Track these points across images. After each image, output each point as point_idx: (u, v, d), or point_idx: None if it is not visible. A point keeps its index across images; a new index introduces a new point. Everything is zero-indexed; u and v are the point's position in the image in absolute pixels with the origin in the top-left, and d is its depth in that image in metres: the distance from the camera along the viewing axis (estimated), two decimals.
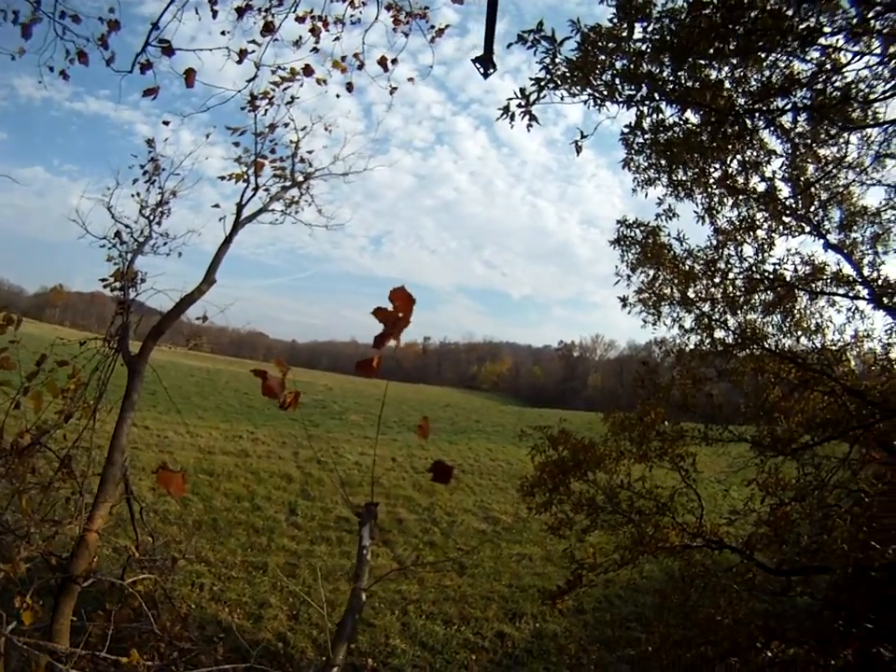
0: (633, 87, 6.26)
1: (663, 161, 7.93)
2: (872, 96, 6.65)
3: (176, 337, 8.27)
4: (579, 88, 6.21)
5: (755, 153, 8.23)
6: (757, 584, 8.50)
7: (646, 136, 6.91)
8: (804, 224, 8.65)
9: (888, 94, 6.57)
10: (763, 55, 6.29)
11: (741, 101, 6.73)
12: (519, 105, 6.11)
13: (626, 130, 6.32)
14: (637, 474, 9.24)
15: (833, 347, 8.83)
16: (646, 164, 7.99)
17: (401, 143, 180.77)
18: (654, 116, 6.35)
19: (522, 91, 6.07)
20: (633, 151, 7.23)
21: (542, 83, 6.07)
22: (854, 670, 7.76)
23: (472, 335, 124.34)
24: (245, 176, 7.76)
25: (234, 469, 21.44)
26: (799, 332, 9.02)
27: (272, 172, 7.90)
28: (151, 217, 7.70)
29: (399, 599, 15.40)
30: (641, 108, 6.19)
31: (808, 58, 6.37)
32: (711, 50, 6.12)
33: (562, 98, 6.20)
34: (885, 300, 8.20)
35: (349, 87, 6.95)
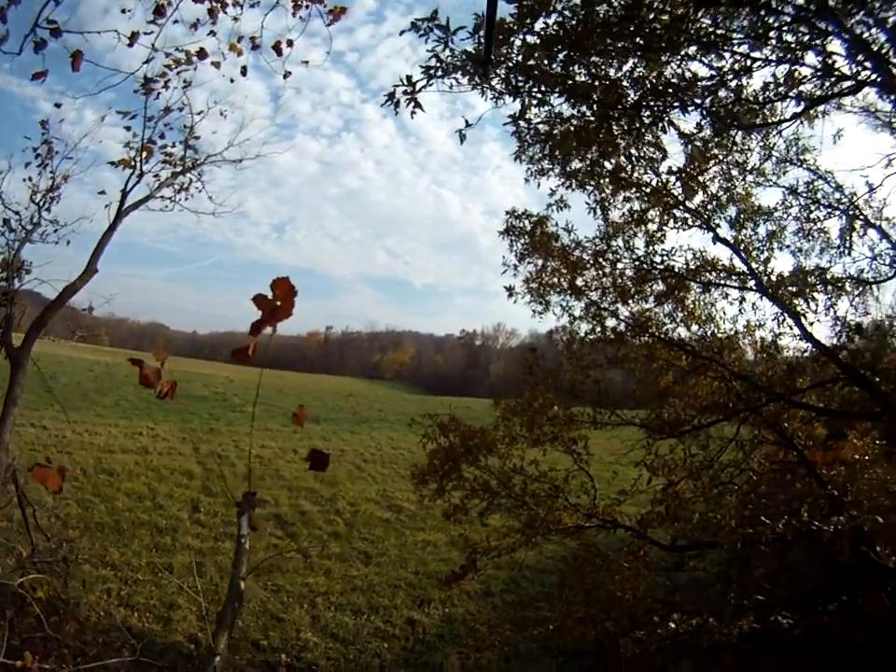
0: (524, 79, 6.32)
1: (557, 153, 8.10)
2: (770, 101, 7.02)
3: (78, 329, 7.79)
4: (474, 79, 6.22)
5: (651, 150, 8.57)
6: (653, 561, 8.94)
7: (540, 127, 7.01)
8: (694, 218, 9.08)
9: (778, 98, 6.97)
10: (661, 56, 6.50)
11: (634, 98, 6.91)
12: (405, 93, 6.06)
13: (510, 119, 6.35)
14: (539, 458, 9.47)
15: (724, 336, 9.32)
16: (540, 155, 8.14)
17: (308, 129, 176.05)
18: (541, 107, 6.43)
19: (408, 78, 6.02)
20: (526, 143, 7.32)
21: (432, 72, 6.02)
22: (752, 638, 8.38)
23: (375, 324, 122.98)
24: (133, 163, 7.33)
25: (135, 468, 20.58)
26: (691, 321, 9.46)
27: (162, 158, 7.49)
28: (41, 203, 7.20)
29: (307, 592, 15.27)
30: (527, 99, 6.23)
31: (707, 61, 6.66)
32: (603, 47, 6.28)
33: (450, 87, 6.19)
34: (771, 291, 8.71)
35: (243, 70, 6.71)
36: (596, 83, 6.63)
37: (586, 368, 9.48)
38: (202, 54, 6.40)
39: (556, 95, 6.58)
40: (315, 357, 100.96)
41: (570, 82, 6.44)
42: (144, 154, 7.62)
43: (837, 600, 8.39)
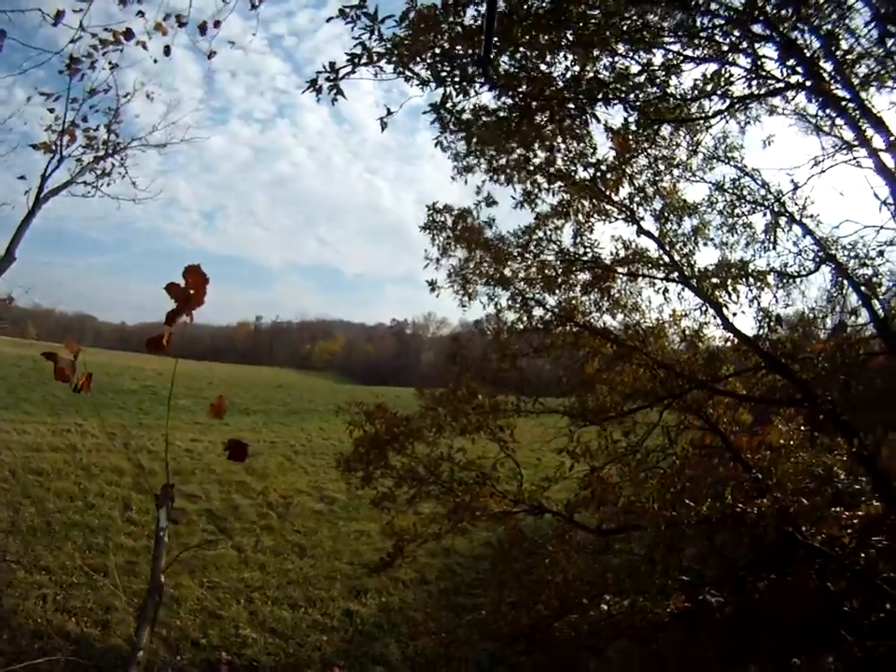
0: (449, 67, 6.31)
1: (483, 148, 8.15)
2: (695, 99, 7.20)
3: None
4: (400, 67, 6.18)
5: (581, 144, 8.69)
6: (580, 545, 9.15)
7: (466, 119, 7.00)
8: (620, 211, 9.27)
9: (703, 95, 7.16)
10: (590, 51, 6.58)
11: (564, 92, 6.97)
12: (327, 79, 5.99)
13: (430, 108, 6.35)
14: (466, 447, 9.54)
15: (648, 324, 9.58)
16: (465, 151, 8.18)
17: (242, 113, 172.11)
18: (465, 97, 6.42)
19: (331, 65, 5.96)
20: (449, 131, 7.29)
21: (356, 60, 5.97)
22: (686, 617, 8.68)
23: (305, 313, 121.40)
24: (54, 146, 7.01)
25: (64, 467, 19.86)
26: (617, 310, 9.69)
27: (85, 141, 7.19)
28: None
29: (244, 588, 15.12)
30: (451, 88, 6.23)
31: (638, 58, 6.78)
32: (530, 39, 6.32)
33: (375, 75, 6.15)
34: (694, 283, 8.98)
35: (166, 50, 6.48)
36: (523, 74, 6.66)
37: (512, 357, 9.58)
38: (128, 34, 6.22)
39: (480, 85, 6.58)
40: (245, 347, 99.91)
41: (493, 72, 6.45)
42: (66, 137, 7.31)
43: (766, 578, 8.76)
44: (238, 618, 13.89)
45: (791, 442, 9.18)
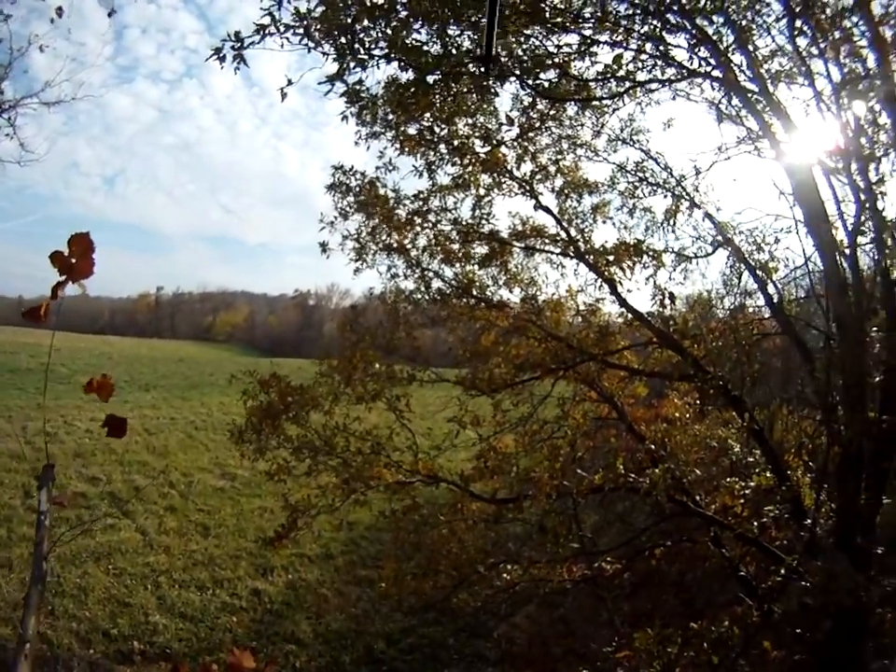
0: (348, 39, 6.18)
1: (391, 117, 8.03)
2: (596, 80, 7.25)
3: None
4: (306, 39, 6.01)
5: (488, 119, 8.67)
6: (477, 515, 9.26)
7: (366, 90, 6.86)
8: (520, 186, 9.32)
9: (604, 77, 7.23)
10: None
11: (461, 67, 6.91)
12: (232, 48, 5.81)
13: (326, 79, 6.21)
14: (363, 416, 9.53)
15: (544, 298, 9.76)
16: (370, 120, 8.03)
17: (150, 73, 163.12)
18: (363, 69, 6.31)
19: (237, 34, 5.79)
20: (358, 103, 7.13)
21: (264, 31, 5.78)
22: (590, 582, 8.90)
23: (207, 284, 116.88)
24: None
25: None
26: (514, 284, 9.79)
27: None
28: None
29: (149, 572, 14.91)
30: (349, 60, 6.11)
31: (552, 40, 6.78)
32: (437, 15, 6.25)
33: (282, 46, 5.98)
34: (591, 259, 9.17)
35: (59, 11, 6.10)
36: (424, 48, 6.57)
37: (409, 326, 9.57)
38: None
39: (379, 58, 6.46)
40: (145, 320, 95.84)
41: (391, 45, 6.34)
42: None
43: (663, 545, 9.09)
44: (147, 604, 13.70)
45: (687, 416, 9.56)
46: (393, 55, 6.32)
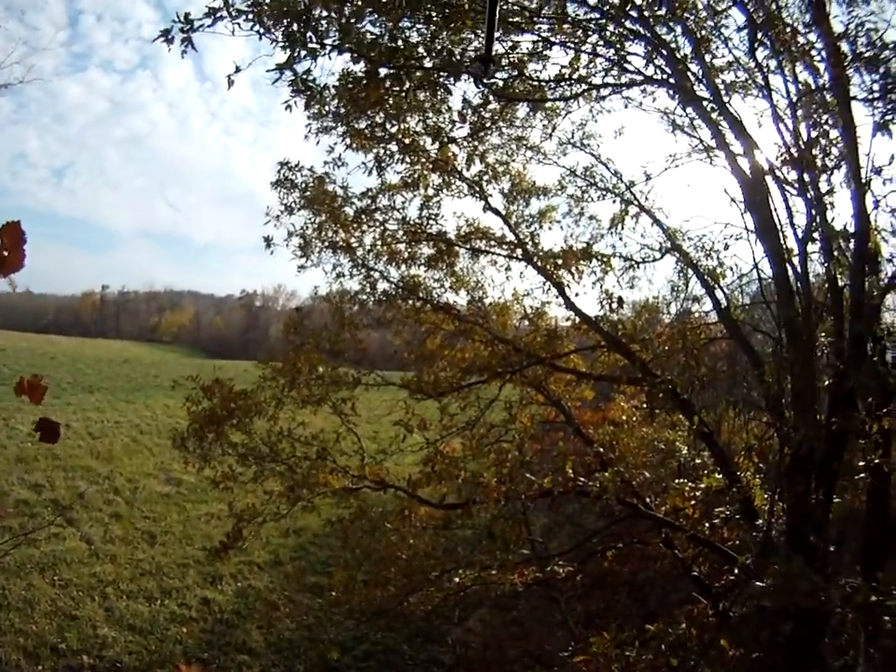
0: (301, 27, 6.02)
1: (342, 112, 7.89)
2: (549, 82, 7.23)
3: None
4: (257, 25, 5.82)
5: (439, 118, 8.58)
6: (425, 521, 9.17)
7: (314, 80, 6.71)
8: (470, 187, 9.30)
9: (559, 80, 7.21)
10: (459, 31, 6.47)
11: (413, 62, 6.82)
12: (181, 31, 5.55)
13: (275, 68, 6.04)
14: (307, 420, 9.45)
15: (489, 301, 9.77)
16: (319, 110, 7.86)
17: (103, 62, 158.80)
18: (313, 59, 6.15)
19: (186, 16, 5.55)
20: (306, 93, 6.97)
21: (215, 14, 5.56)
22: (543, 584, 8.86)
23: (153, 283, 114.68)
24: None
25: None
26: (460, 287, 9.75)
27: None
28: None
29: (96, 583, 14.47)
30: (295, 49, 5.95)
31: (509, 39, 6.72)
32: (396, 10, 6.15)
33: (233, 32, 5.76)
34: (538, 262, 9.19)
35: None
36: (380, 41, 6.46)
37: (354, 328, 9.46)
38: None
39: (330, 48, 6.32)
40: (90, 319, 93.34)
41: (343, 35, 6.21)
42: None
43: (614, 547, 9.15)
44: (95, 617, 13.30)
45: (634, 419, 9.62)
46: (345, 46, 6.18)
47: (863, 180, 6.14)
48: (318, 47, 6.06)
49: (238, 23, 5.75)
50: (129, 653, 12.52)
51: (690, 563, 8.14)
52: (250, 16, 5.77)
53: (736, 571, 6.35)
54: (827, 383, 6.23)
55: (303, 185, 9.17)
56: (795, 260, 6.49)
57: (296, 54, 6.05)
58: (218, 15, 5.60)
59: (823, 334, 6.46)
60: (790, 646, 5.77)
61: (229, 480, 8.98)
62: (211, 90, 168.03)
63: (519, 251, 9.32)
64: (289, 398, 9.06)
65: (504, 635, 12.58)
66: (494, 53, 5.80)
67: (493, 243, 9.52)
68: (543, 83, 7.36)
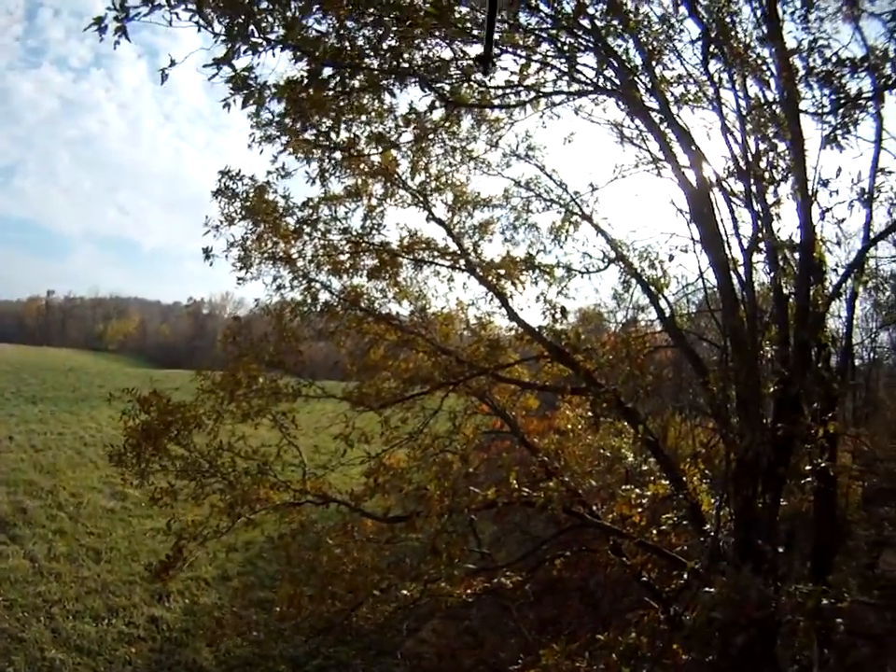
0: (243, 20, 5.87)
1: (288, 120, 7.75)
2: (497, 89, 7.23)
3: None
4: (197, 16, 5.66)
5: (384, 126, 8.50)
6: (370, 534, 9.07)
7: (271, 84, 6.57)
8: (413, 197, 9.30)
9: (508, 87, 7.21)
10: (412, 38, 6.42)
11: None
12: (116, 19, 5.34)
13: (213, 63, 5.87)
14: (250, 433, 9.24)
15: (433, 312, 9.74)
16: (258, 113, 7.70)
17: (57, 58, 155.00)
18: (255, 54, 5.99)
19: (122, 2, 5.23)
20: (244, 91, 6.80)
21: (153, 2, 5.39)
22: (494, 593, 8.81)
23: (99, 289, 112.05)
24: None
25: None
26: (402, 297, 9.68)
27: None
28: None
29: (42, 603, 14.12)
30: (236, 42, 5.79)
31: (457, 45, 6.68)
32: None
33: (170, 23, 5.57)
34: (480, 272, 9.20)
35: None
36: (325, 39, 6.35)
37: (295, 339, 9.31)
38: None
39: (273, 44, 6.19)
40: (35, 325, 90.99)
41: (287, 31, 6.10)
42: None
43: (563, 555, 9.13)
44: (41, 638, 12.98)
45: (579, 427, 9.68)
46: (288, 42, 6.05)
47: (810, 192, 6.29)
48: (261, 42, 5.92)
49: (177, 13, 5.57)
50: None
51: (639, 569, 8.12)
52: (190, 5, 5.60)
53: (686, 576, 6.42)
54: (773, 389, 6.32)
55: (244, 194, 9.00)
56: (741, 270, 6.59)
57: (236, 48, 5.90)
58: (156, 3, 5.43)
59: (768, 342, 6.57)
60: (743, 652, 5.83)
61: (168, 496, 8.72)
62: (165, 91, 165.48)
63: (462, 262, 9.33)
64: (229, 411, 8.85)
65: (458, 644, 12.57)
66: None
67: (436, 253, 9.49)
68: (492, 89, 7.35)
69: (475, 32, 6.58)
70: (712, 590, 5.29)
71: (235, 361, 9.04)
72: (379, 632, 11.86)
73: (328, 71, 6.53)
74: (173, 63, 5.71)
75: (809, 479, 6.38)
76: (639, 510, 7.60)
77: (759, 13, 6.56)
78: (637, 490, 7.72)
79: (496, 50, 6.82)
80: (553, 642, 6.63)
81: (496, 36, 6.62)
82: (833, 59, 6.21)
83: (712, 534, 6.37)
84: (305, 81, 6.47)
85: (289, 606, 9.11)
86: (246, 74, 6.13)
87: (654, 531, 7.59)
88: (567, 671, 6.49)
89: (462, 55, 6.92)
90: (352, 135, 8.37)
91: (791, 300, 6.51)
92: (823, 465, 6.10)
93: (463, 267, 9.30)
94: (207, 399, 8.83)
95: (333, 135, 8.25)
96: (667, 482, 7.66)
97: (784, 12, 6.51)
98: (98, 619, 13.95)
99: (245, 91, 6.37)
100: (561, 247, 9.14)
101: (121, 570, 15.65)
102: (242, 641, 13.93)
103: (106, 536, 17.21)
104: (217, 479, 8.51)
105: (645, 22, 6.92)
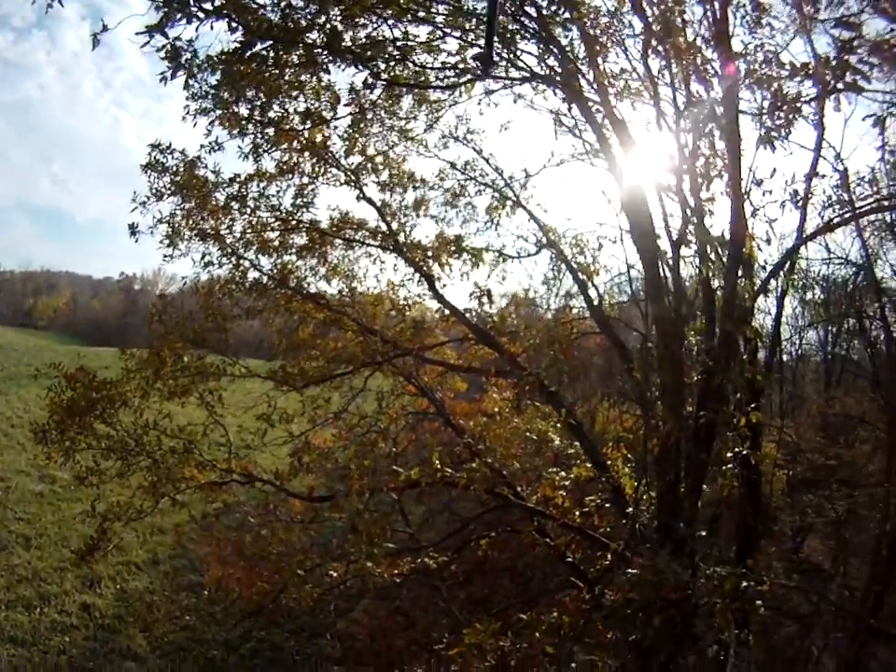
0: None
1: (225, 94, 7.63)
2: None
3: None
4: None
5: (320, 105, 8.45)
6: (294, 514, 9.11)
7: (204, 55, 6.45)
8: (346, 176, 9.29)
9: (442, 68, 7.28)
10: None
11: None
12: None
13: (145, 30, 5.73)
14: (175, 411, 9.16)
15: (362, 291, 9.80)
16: (202, 93, 7.58)
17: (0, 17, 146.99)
18: (188, 22, 5.88)
19: None
20: (176, 60, 6.65)
21: None
22: (422, 573, 8.93)
23: (30, 262, 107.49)
24: None
25: None
26: (332, 277, 9.73)
27: None
28: None
29: None
30: (170, 10, 5.67)
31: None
32: None
33: None
34: (408, 253, 9.28)
35: None
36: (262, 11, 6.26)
37: (221, 317, 9.25)
38: None
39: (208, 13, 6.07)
40: None
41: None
42: None
43: (488, 535, 9.35)
44: None
45: (506, 410, 9.88)
46: (223, 11, 5.95)
47: (743, 190, 6.42)
48: (196, 10, 5.80)
49: None
50: (14, 669, 12.11)
51: (563, 549, 8.33)
52: None
53: (610, 557, 6.62)
54: (696, 378, 6.44)
55: (175, 169, 8.84)
56: (668, 262, 6.73)
57: (171, 17, 5.77)
58: None
59: (693, 333, 6.69)
60: (664, 631, 6.05)
61: (93, 475, 8.60)
62: (107, 56, 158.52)
63: (391, 242, 9.38)
64: (155, 389, 8.77)
65: (390, 625, 12.69)
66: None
67: (366, 233, 9.54)
68: (428, 69, 7.34)
69: (420, 14, 6.67)
70: (631, 571, 5.45)
71: (161, 339, 8.90)
72: (311, 613, 11.94)
73: (263, 45, 6.52)
74: (105, 29, 5.63)
75: (731, 466, 6.48)
76: (563, 492, 7.70)
77: (710, 15, 6.70)
78: (562, 473, 7.85)
79: (438, 33, 6.99)
80: (475, 624, 6.78)
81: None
82: (774, 61, 6.42)
83: (632, 516, 6.54)
84: (238, 53, 6.41)
85: (218, 589, 9.11)
86: (178, 43, 6.06)
87: (577, 513, 7.73)
88: (491, 650, 6.62)
89: (405, 35, 6.94)
90: (285, 111, 8.33)
91: (718, 293, 6.62)
92: (745, 453, 6.18)
93: (392, 248, 9.37)
94: (133, 377, 8.73)
95: (267, 110, 8.20)
96: (591, 465, 7.84)
97: (734, 16, 6.60)
98: (30, 608, 13.75)
99: (177, 62, 6.27)
100: (496, 230, 9.32)
101: (52, 557, 15.37)
102: (175, 626, 13.85)
103: (36, 521, 16.84)
104: (142, 457, 8.43)
105: (592, 15, 6.97)
